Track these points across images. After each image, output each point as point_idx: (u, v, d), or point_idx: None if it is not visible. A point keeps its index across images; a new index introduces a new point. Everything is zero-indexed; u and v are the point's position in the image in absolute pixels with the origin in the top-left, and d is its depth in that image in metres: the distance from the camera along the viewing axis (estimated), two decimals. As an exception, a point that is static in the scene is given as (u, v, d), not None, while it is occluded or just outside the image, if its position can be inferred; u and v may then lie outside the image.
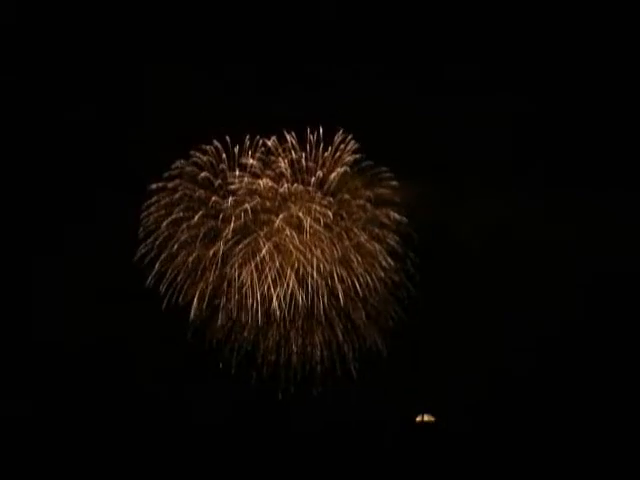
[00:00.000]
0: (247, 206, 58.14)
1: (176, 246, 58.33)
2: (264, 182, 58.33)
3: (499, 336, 58.79)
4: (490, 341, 58.90)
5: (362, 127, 59.02)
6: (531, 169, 61.53)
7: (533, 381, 58.74)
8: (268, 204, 58.34)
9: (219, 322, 57.78)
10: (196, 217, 58.47)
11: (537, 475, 55.96)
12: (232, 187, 58.57)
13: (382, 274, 58.46)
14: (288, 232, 57.80)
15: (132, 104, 62.85)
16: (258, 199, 58.31)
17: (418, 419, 59.71)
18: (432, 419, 59.65)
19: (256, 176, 58.57)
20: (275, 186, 58.48)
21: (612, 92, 62.02)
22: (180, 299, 57.96)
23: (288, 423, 58.30)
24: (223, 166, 58.94)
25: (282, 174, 58.49)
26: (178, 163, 59.10)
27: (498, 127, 62.01)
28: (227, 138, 58.69)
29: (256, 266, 57.71)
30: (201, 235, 58.33)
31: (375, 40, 63.25)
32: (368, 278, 58.19)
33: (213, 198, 58.55)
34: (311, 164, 58.60)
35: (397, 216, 59.05)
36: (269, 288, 57.47)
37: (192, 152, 59.04)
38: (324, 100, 60.74)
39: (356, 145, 59.00)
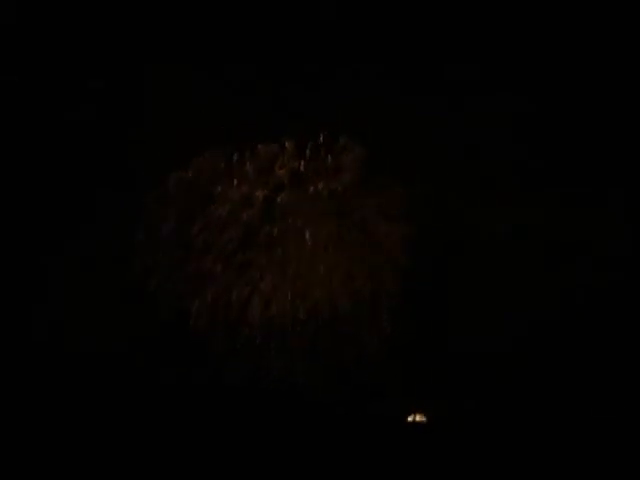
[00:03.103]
0: (244, 216, 57.49)
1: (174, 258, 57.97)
2: (261, 192, 57.88)
3: (498, 336, 58.91)
4: (489, 340, 59.05)
5: (362, 127, 59.13)
6: (531, 169, 61.60)
7: (531, 382, 58.85)
8: (265, 214, 57.32)
9: (218, 337, 57.30)
10: (194, 228, 57.69)
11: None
12: (229, 196, 57.73)
13: (388, 289, 56.94)
14: (287, 244, 56.89)
15: (132, 104, 62.92)
16: (256, 210, 57.53)
17: (410, 419, 59.13)
18: (424, 419, 59.15)
19: (254, 186, 57.96)
20: (273, 196, 57.63)
21: (612, 92, 62.11)
22: (179, 313, 57.41)
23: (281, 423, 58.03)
24: (221, 175, 58.52)
25: (281, 184, 57.70)
26: (175, 173, 58.49)
27: (498, 127, 62.12)
28: (226, 146, 58.08)
29: (254, 279, 56.64)
30: (198, 247, 57.92)
31: (375, 40, 63.34)
32: (372, 293, 56.60)
33: (211, 208, 57.73)
34: (311, 173, 58.02)
35: (404, 229, 57.45)
36: (269, 302, 56.43)
37: (190, 160, 58.56)
38: (324, 100, 60.81)
39: (361, 152, 57.93)
